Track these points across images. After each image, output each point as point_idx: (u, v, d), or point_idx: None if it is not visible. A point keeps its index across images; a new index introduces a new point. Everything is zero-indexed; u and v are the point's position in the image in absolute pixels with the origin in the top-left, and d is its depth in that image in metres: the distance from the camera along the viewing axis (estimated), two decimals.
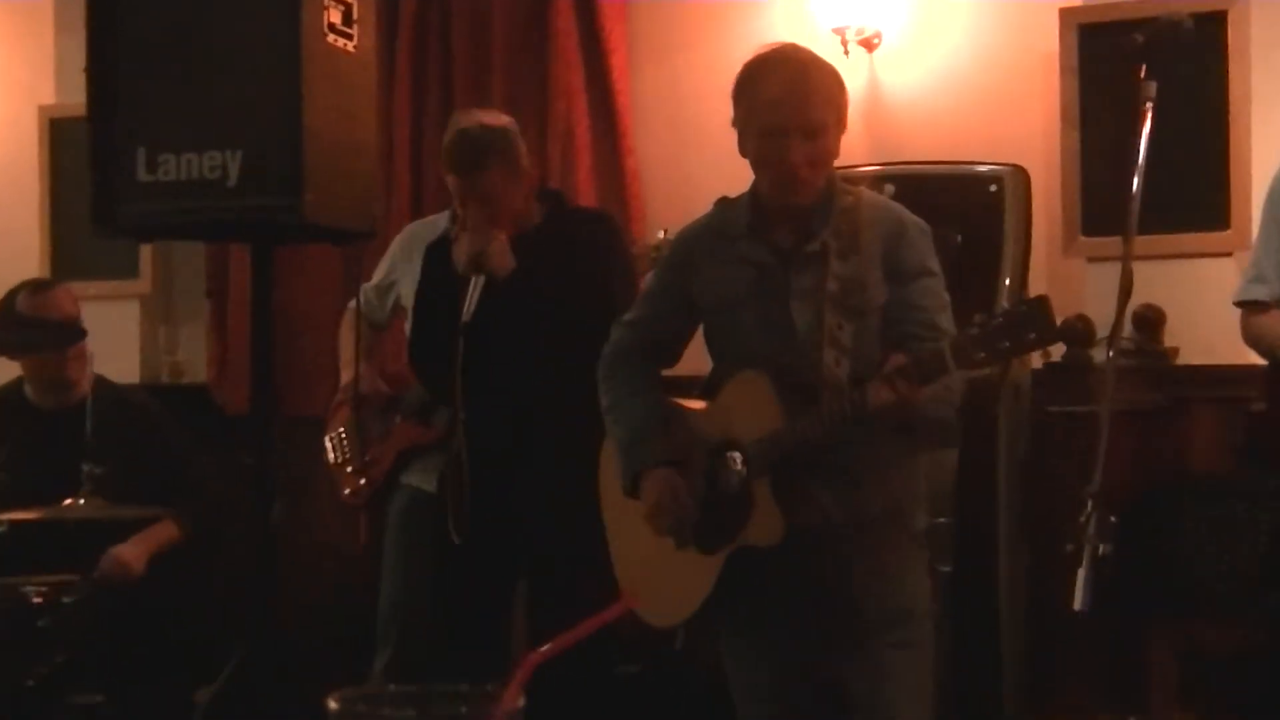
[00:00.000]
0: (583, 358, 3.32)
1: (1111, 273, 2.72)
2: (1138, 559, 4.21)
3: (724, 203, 3.17)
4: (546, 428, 3.69)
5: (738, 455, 2.98)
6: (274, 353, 3.45)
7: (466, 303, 3.64)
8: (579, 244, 3.75)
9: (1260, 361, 3.84)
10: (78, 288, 4.65)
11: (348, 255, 5.04)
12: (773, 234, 3.02)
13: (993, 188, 4.51)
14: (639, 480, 3.08)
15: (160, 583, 4.19)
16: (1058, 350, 4.56)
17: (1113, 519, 2.40)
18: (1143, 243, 2.71)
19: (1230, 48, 4.73)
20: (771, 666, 3.07)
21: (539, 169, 4.43)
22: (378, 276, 4.45)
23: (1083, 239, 4.90)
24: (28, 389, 4.42)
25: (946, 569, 4.06)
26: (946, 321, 2.94)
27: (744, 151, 3.01)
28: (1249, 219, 4.53)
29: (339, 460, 4.42)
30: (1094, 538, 2.38)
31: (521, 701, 1.30)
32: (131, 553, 4.16)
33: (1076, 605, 2.36)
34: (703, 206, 3.26)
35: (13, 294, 4.36)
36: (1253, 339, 3.83)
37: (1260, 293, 3.79)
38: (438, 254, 3.81)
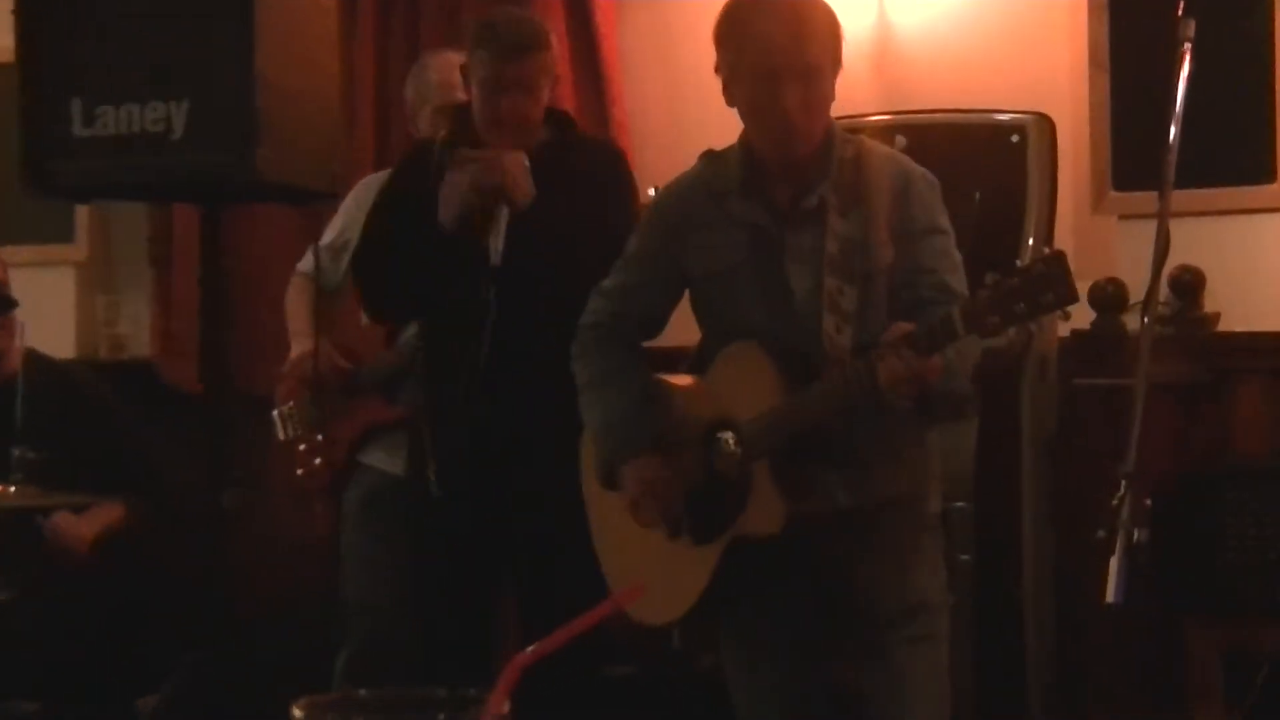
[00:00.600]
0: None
1: (1146, 231, 2.72)
2: (1176, 547, 4.22)
3: (711, 157, 3.16)
4: (562, 398, 3.57)
5: (731, 436, 2.98)
6: (226, 324, 3.44)
7: (493, 242, 3.57)
8: (590, 177, 3.68)
9: None
10: (6, 253, 4.64)
11: (306, 216, 5.04)
12: (767, 191, 3.03)
13: (1014, 138, 4.50)
14: (617, 470, 3.10)
15: (104, 575, 4.18)
16: (1087, 317, 4.56)
17: (1148, 503, 2.41)
18: (1180, 198, 2.72)
19: None
20: (775, 667, 3.08)
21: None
22: (330, 235, 4.40)
23: (1114, 194, 4.89)
24: None
25: (965, 557, 4.07)
26: (959, 284, 2.95)
27: (731, 100, 3.01)
28: None
29: (290, 436, 4.40)
30: (1128, 523, 2.38)
31: (507, 708, 1.30)
32: (80, 525, 4.14)
33: (1109, 597, 2.36)
34: (692, 159, 3.25)
35: None
36: None
37: None
38: (405, 171, 3.75)
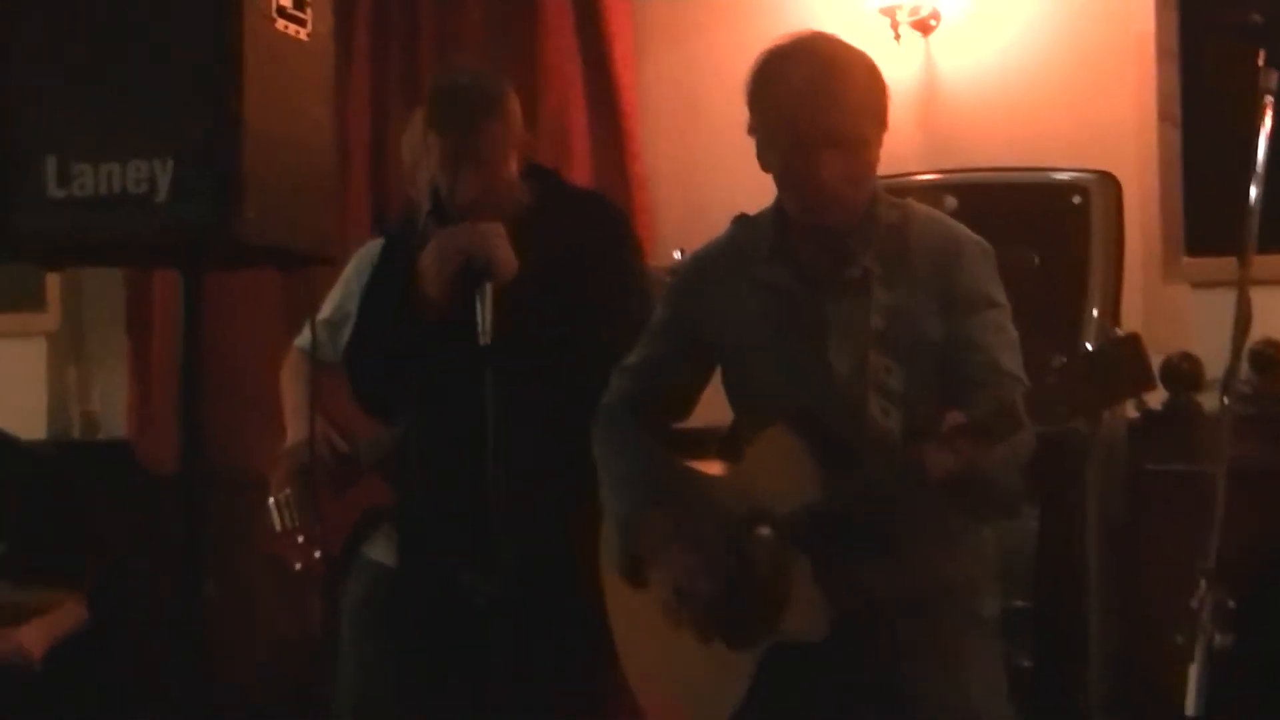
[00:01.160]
0: (599, 380, 3.30)
1: (1224, 301, 2.72)
2: (1262, 653, 4.18)
3: (743, 221, 3.17)
4: (571, 478, 3.58)
5: (768, 531, 2.97)
6: (207, 400, 3.44)
7: (479, 319, 3.52)
8: (580, 236, 3.67)
9: None
10: None
11: (289, 279, 5.05)
12: (802, 256, 3.02)
13: (1076, 199, 4.50)
14: (640, 562, 3.08)
15: (62, 675, 4.17)
16: (1159, 397, 4.54)
17: (1231, 604, 2.39)
18: (1262, 264, 2.71)
19: None
20: None
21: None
22: (328, 309, 4.43)
23: (1187, 260, 4.89)
24: None
25: (1025, 663, 4.04)
26: (1013, 362, 2.94)
27: (765, 164, 3.01)
28: None
29: (287, 526, 4.41)
30: (1208, 627, 2.37)
31: None
32: (30, 636, 4.15)
33: (1189, 710, 2.35)
34: (724, 222, 3.26)
35: None
36: None
37: None
38: (397, 245, 3.76)
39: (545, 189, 3.78)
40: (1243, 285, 2.61)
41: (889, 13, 5.10)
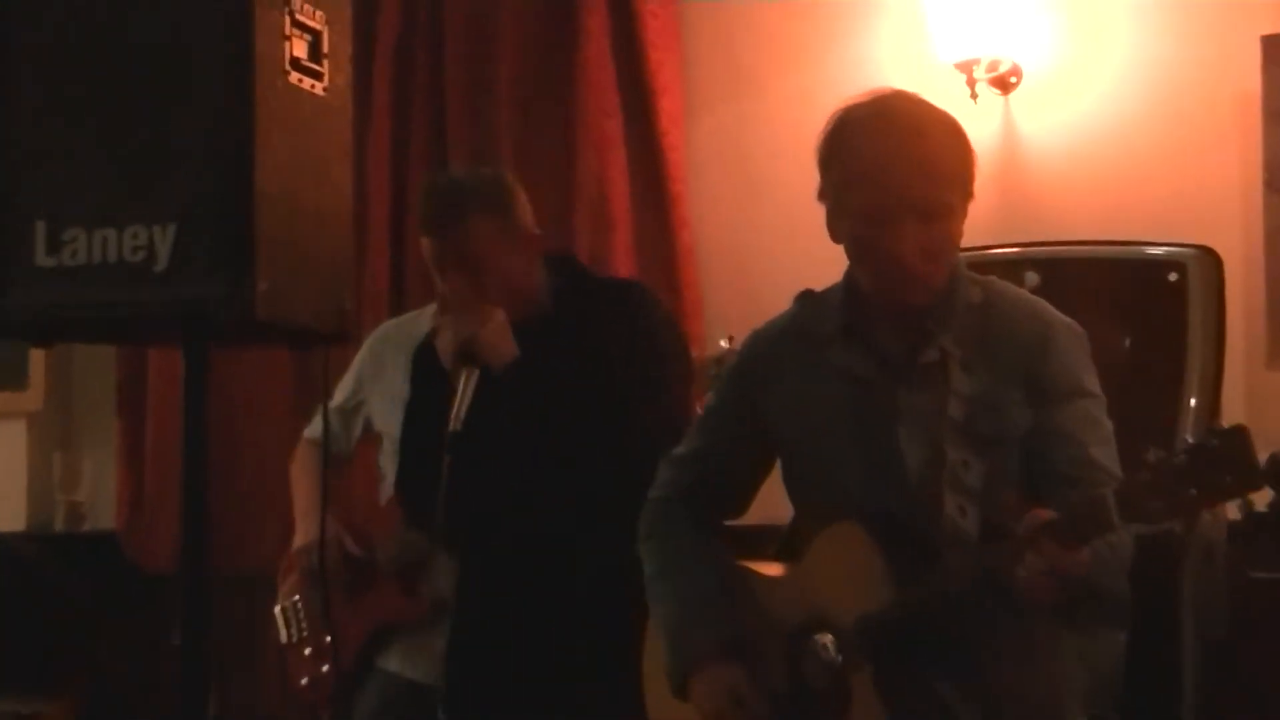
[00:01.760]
0: (614, 495, 3.32)
1: None
2: None
3: (809, 299, 3.18)
4: (564, 594, 3.67)
5: (830, 639, 2.97)
6: (210, 492, 3.45)
7: (455, 406, 3.63)
8: (606, 330, 3.74)
9: None
10: None
11: (299, 356, 5.08)
12: (875, 338, 3.04)
13: (1172, 276, 4.50)
14: (691, 678, 3.08)
15: None
16: (1263, 496, 4.52)
17: None
18: None
19: None
20: None
21: (549, 229, 4.36)
22: (340, 395, 4.48)
23: None
24: None
25: None
26: (1108, 457, 2.95)
27: (836, 236, 3.03)
28: None
29: (293, 639, 4.42)
30: None
31: None
32: None
33: None
34: (783, 301, 3.28)
35: None
36: None
37: None
38: (427, 357, 3.83)
39: (565, 281, 3.83)
40: None
41: (965, 68, 5.12)
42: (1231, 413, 4.43)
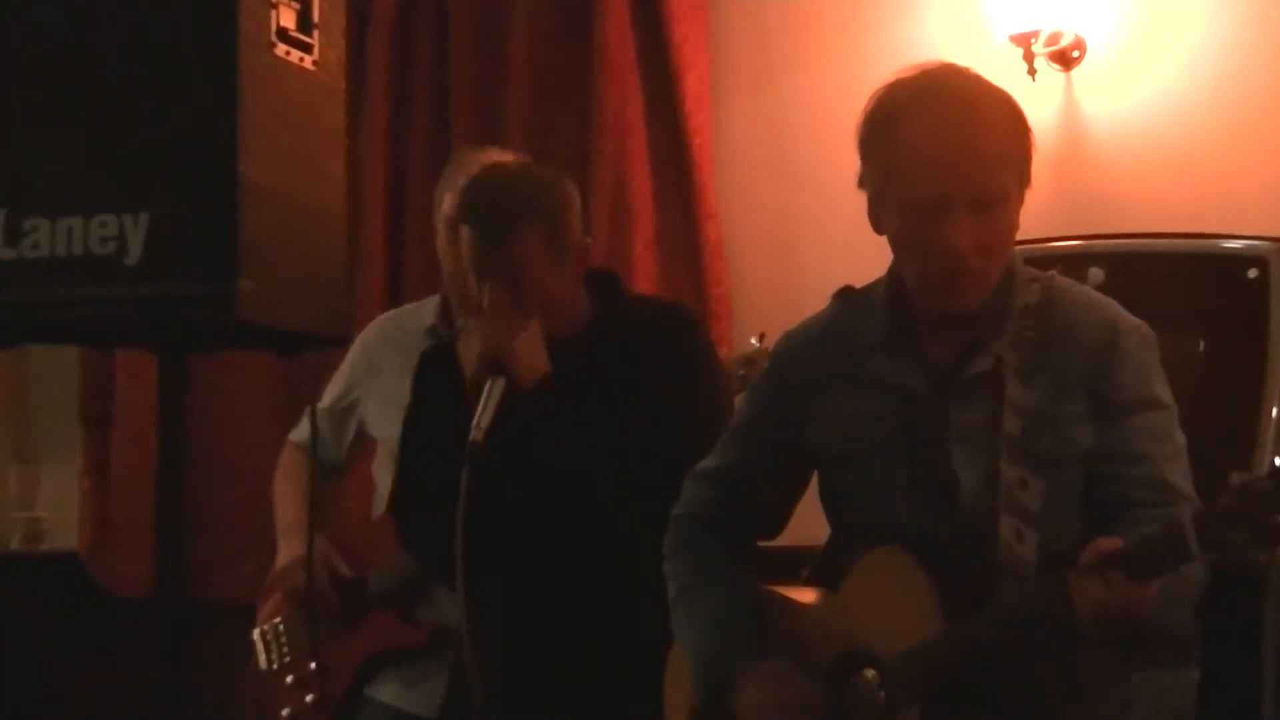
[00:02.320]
0: (648, 523, 3.33)
1: None
2: None
3: (848, 297, 3.18)
4: (593, 624, 3.68)
5: (874, 675, 2.97)
6: (186, 509, 3.45)
7: (477, 417, 3.63)
8: (642, 356, 3.76)
9: None
10: None
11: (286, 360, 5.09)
12: (923, 345, 3.03)
13: (1251, 273, 4.49)
14: (723, 694, 3.08)
15: None
16: None
17: None
18: None
19: None
20: None
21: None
22: (331, 396, 4.47)
23: None
24: None
25: None
26: (1180, 476, 2.93)
27: (879, 226, 3.01)
28: None
29: (273, 665, 4.42)
30: None
31: None
32: None
33: None
34: (816, 299, 3.27)
35: None
36: None
37: None
38: (436, 362, 3.84)
39: (605, 299, 3.85)
40: None
41: (1022, 41, 5.11)
42: None
